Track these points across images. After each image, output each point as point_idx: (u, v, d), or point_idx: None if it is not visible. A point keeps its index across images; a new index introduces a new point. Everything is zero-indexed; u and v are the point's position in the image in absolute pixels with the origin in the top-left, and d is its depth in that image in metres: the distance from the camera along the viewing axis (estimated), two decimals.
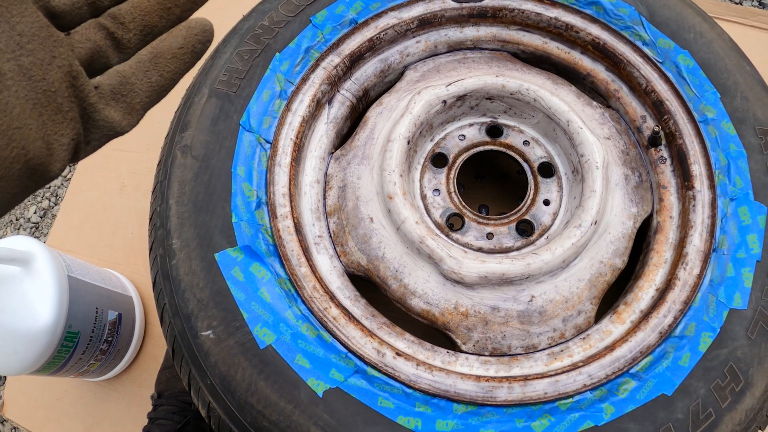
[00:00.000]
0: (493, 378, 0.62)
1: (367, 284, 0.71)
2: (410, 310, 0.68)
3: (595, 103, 0.80)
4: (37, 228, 1.69)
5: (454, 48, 0.84)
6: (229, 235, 0.65)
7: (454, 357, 0.65)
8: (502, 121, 0.81)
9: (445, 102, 0.76)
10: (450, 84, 0.76)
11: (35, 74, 0.29)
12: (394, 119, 0.75)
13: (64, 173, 1.72)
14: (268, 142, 0.71)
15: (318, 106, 0.76)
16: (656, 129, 0.74)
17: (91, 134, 0.33)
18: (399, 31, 0.80)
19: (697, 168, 0.72)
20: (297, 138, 0.73)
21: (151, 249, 0.69)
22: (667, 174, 0.75)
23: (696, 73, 0.75)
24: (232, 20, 0.79)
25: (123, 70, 0.34)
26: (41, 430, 1.03)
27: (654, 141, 0.76)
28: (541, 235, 0.74)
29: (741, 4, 1.60)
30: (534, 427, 0.59)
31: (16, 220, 1.72)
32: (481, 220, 0.74)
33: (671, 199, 0.74)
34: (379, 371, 0.61)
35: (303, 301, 0.63)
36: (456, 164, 0.78)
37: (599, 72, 0.82)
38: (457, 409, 0.59)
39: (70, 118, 0.31)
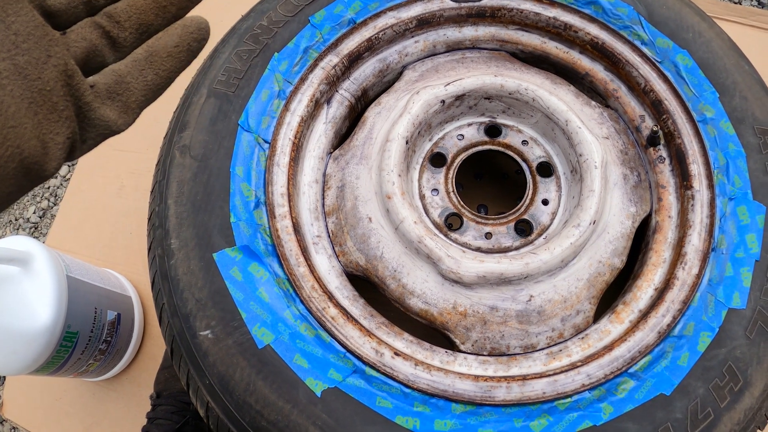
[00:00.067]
0: (492, 378, 0.62)
1: (366, 284, 0.71)
2: (409, 310, 0.68)
3: (593, 102, 0.80)
4: (36, 228, 1.69)
5: (453, 48, 0.84)
6: (228, 235, 0.65)
7: (453, 357, 0.65)
8: (500, 120, 0.81)
9: (443, 102, 0.76)
10: (448, 84, 0.76)
11: (30, 73, 0.30)
12: (392, 119, 0.75)
13: (63, 173, 1.72)
14: (266, 141, 0.71)
15: (316, 106, 0.76)
16: (655, 128, 0.74)
17: (87, 133, 0.33)
18: (397, 31, 0.80)
19: (696, 167, 0.72)
20: (295, 138, 0.73)
21: (149, 249, 0.69)
22: (665, 173, 0.75)
23: (695, 72, 0.75)
24: (230, 20, 0.79)
25: (118, 69, 0.34)
26: (40, 430, 1.03)
27: (653, 140, 0.76)
28: (539, 235, 0.74)
29: (740, 4, 1.60)
30: (532, 427, 0.59)
31: (16, 220, 1.72)
32: (479, 220, 0.74)
33: (670, 198, 0.74)
34: (378, 371, 0.61)
35: (301, 301, 0.63)
36: (455, 164, 0.78)
37: (598, 71, 0.82)
38: (455, 408, 0.59)
39: (66, 117, 0.31)
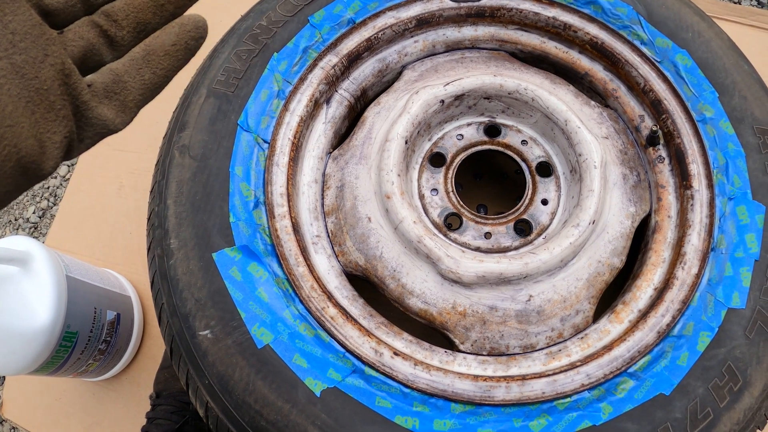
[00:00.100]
0: (491, 377, 0.62)
1: (365, 284, 0.71)
2: (408, 310, 0.68)
3: (593, 102, 0.80)
4: (35, 228, 1.69)
5: (452, 48, 0.84)
6: (227, 235, 0.65)
7: (452, 356, 0.64)
8: (500, 120, 0.81)
9: (443, 102, 0.76)
10: (448, 84, 0.76)
11: (28, 72, 0.30)
12: (392, 119, 0.75)
13: (63, 174, 1.72)
14: (266, 141, 0.71)
15: (316, 105, 0.76)
16: (654, 128, 0.74)
17: (84, 132, 0.33)
18: (397, 31, 0.80)
19: (696, 167, 0.72)
20: (295, 138, 0.73)
21: (149, 249, 0.69)
22: (665, 173, 0.75)
23: (694, 72, 0.75)
24: (230, 20, 0.79)
25: (116, 68, 0.34)
26: (40, 430, 1.03)
27: (652, 140, 0.76)
28: (539, 235, 0.74)
29: (739, 4, 1.60)
30: (532, 427, 0.58)
31: (15, 220, 1.72)
32: (479, 220, 0.74)
33: (669, 198, 0.74)
34: (377, 371, 0.61)
35: (301, 301, 0.63)
36: (454, 164, 0.78)
37: (597, 71, 0.82)
38: (454, 408, 0.59)
39: (63, 116, 0.31)
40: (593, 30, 0.80)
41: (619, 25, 0.79)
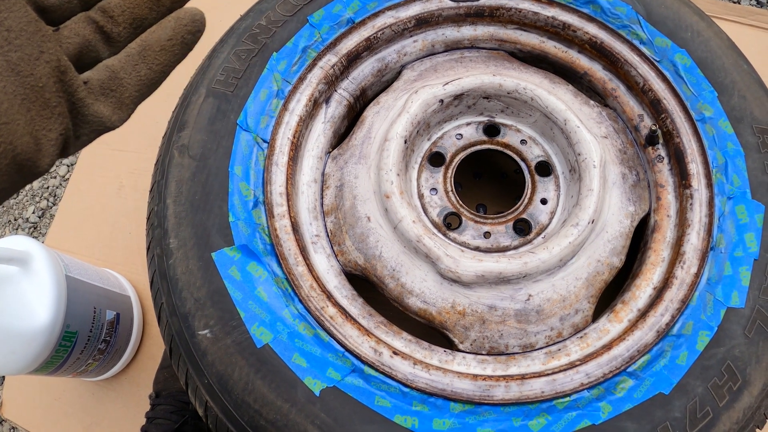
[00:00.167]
0: (490, 377, 0.62)
1: (365, 283, 0.71)
2: (407, 309, 0.68)
3: (592, 102, 0.80)
4: (35, 228, 1.69)
5: (452, 47, 0.84)
6: (226, 235, 0.65)
7: (451, 356, 0.64)
8: (499, 120, 0.81)
9: (442, 101, 0.76)
10: (447, 83, 0.76)
11: (23, 69, 0.29)
12: (391, 118, 0.75)
13: (63, 174, 1.72)
14: (265, 141, 0.71)
15: (315, 105, 0.76)
16: (653, 128, 0.74)
17: (81, 129, 0.33)
18: (396, 31, 0.80)
19: (695, 167, 0.72)
20: (294, 137, 0.73)
21: (148, 248, 0.69)
22: (664, 173, 0.75)
23: (693, 71, 0.75)
24: (229, 20, 0.80)
25: (112, 65, 0.34)
26: (40, 430, 1.03)
27: (651, 140, 0.76)
28: (538, 234, 0.74)
29: (739, 3, 1.60)
30: (531, 426, 0.58)
31: (15, 220, 1.72)
32: (478, 219, 0.74)
33: (669, 197, 0.74)
34: (376, 370, 0.60)
35: (300, 300, 0.63)
36: (453, 163, 0.78)
37: (596, 71, 0.82)
38: (454, 407, 0.59)
39: (59, 113, 0.31)
40: (592, 29, 0.80)
41: (618, 24, 0.79)
